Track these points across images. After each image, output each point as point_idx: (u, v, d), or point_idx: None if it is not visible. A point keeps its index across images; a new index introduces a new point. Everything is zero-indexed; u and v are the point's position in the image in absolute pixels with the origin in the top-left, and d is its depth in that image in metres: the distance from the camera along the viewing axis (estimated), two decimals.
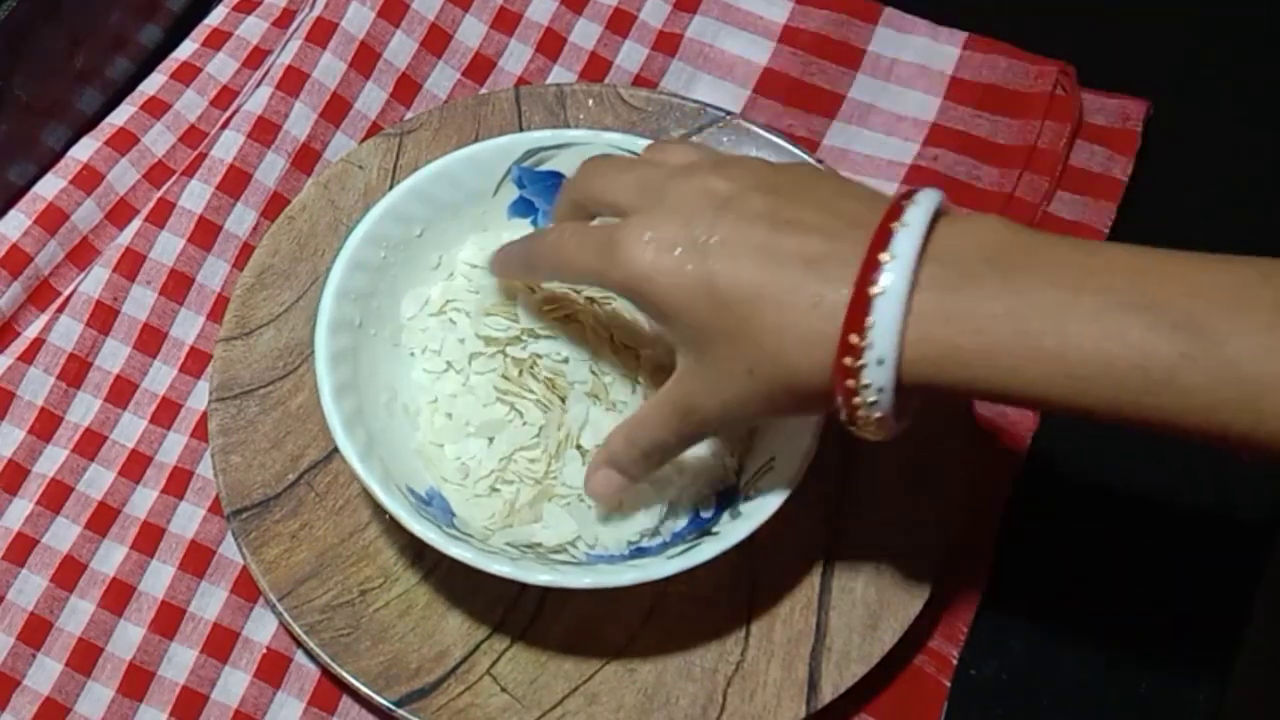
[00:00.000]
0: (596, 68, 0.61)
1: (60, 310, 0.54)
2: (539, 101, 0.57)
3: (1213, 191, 0.59)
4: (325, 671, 0.50)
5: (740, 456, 0.50)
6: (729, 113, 0.57)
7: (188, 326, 0.55)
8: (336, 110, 0.58)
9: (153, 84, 0.59)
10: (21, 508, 0.51)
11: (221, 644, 0.50)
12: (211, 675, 0.50)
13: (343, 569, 0.50)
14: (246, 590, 0.51)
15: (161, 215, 0.55)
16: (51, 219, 0.55)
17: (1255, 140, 0.60)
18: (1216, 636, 0.52)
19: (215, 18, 0.61)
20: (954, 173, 0.58)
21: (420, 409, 0.50)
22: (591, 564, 0.47)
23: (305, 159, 0.57)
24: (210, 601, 0.51)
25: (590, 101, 0.58)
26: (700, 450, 0.49)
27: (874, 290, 0.37)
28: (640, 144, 0.52)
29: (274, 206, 0.56)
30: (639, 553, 0.48)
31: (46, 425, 0.52)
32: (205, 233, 0.55)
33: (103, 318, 0.54)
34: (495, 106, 0.57)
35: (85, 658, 0.49)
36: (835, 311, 0.37)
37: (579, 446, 0.48)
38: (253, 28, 0.61)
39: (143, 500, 0.52)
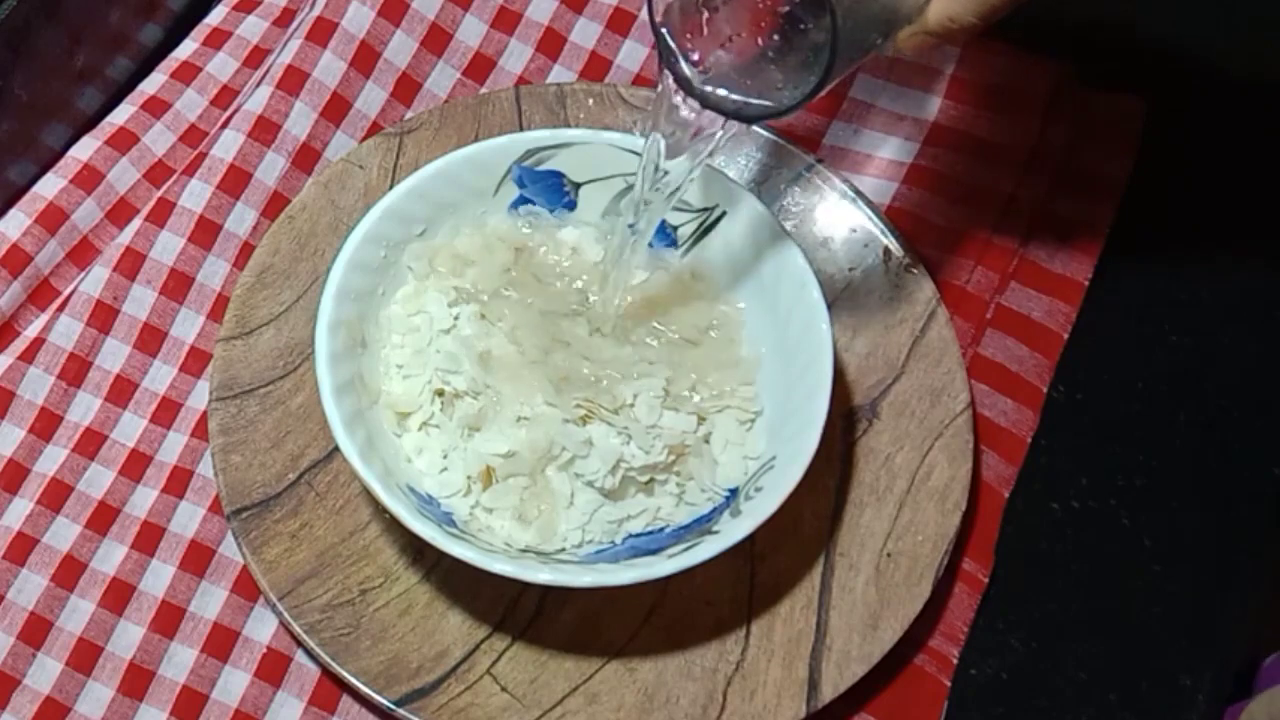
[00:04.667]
0: (597, 67, 0.61)
1: (60, 310, 0.54)
2: (539, 101, 0.57)
3: (1213, 191, 0.59)
4: (325, 671, 0.50)
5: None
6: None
7: (188, 326, 0.55)
8: (336, 110, 0.58)
9: (153, 83, 0.59)
10: (21, 507, 0.51)
11: (222, 643, 0.50)
12: (212, 675, 0.50)
13: (343, 568, 0.50)
14: (247, 590, 0.51)
15: (162, 215, 0.55)
16: (51, 218, 0.55)
17: (1255, 140, 0.60)
18: (1216, 635, 0.52)
19: (215, 17, 0.61)
20: (954, 172, 0.58)
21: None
22: (591, 563, 0.47)
23: (305, 158, 0.57)
24: (210, 601, 0.51)
25: (590, 101, 0.58)
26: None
27: None
28: (641, 144, 0.52)
29: (274, 206, 0.56)
30: (639, 551, 0.48)
31: (46, 425, 0.52)
32: (205, 232, 0.55)
33: (103, 317, 0.54)
34: (495, 106, 0.57)
35: (85, 657, 0.49)
36: None
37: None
38: (253, 27, 0.61)
39: (143, 500, 0.52)
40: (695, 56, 0.43)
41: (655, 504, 0.49)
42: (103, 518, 0.51)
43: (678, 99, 0.43)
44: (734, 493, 0.49)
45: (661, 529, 0.49)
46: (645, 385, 0.49)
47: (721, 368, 0.51)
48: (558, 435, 0.48)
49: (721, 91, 0.43)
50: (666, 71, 0.43)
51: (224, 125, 0.57)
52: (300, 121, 0.57)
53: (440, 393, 0.50)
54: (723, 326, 0.52)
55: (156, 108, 0.58)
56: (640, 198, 0.47)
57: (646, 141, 0.45)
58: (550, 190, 0.53)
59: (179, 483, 0.52)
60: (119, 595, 0.50)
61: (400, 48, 0.59)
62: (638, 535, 0.48)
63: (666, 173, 0.46)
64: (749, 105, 0.42)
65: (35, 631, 0.49)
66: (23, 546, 0.50)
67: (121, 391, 0.53)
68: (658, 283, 0.53)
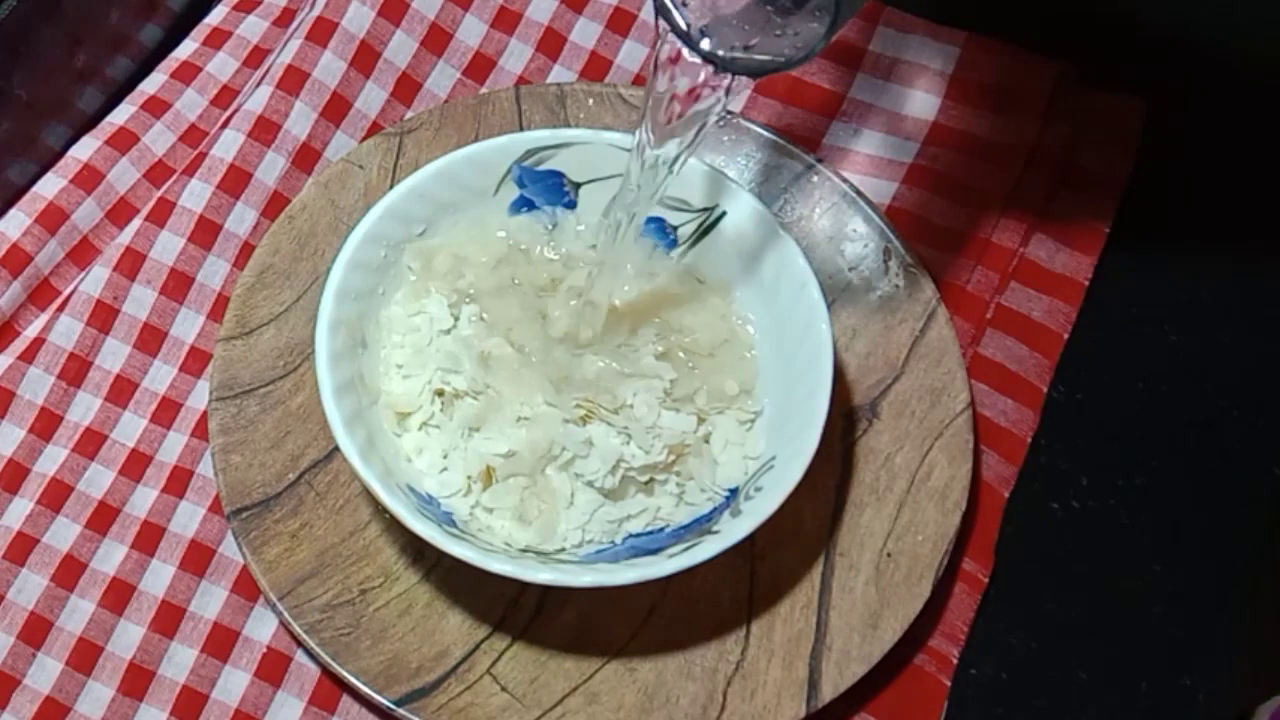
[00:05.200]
0: (597, 67, 0.61)
1: (60, 310, 0.54)
2: (539, 101, 0.58)
3: (1213, 191, 0.59)
4: (325, 671, 0.50)
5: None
6: (729, 112, 0.57)
7: (188, 326, 0.55)
8: (337, 109, 0.58)
9: (153, 83, 0.59)
10: (21, 507, 0.51)
11: (222, 643, 0.50)
12: (212, 674, 0.50)
13: (343, 568, 0.50)
14: (247, 590, 0.51)
15: (162, 214, 0.55)
16: (51, 218, 0.55)
17: (1256, 140, 0.60)
18: (1217, 635, 0.52)
19: (215, 17, 0.61)
20: (954, 173, 0.58)
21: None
22: (591, 563, 0.47)
23: (305, 158, 0.57)
24: (210, 601, 0.51)
25: (590, 101, 0.58)
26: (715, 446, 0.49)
27: None
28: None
29: (274, 206, 0.56)
30: (639, 551, 0.48)
31: (46, 424, 0.52)
32: (205, 232, 0.55)
33: (103, 317, 0.54)
34: (495, 106, 0.57)
35: (85, 657, 0.49)
36: None
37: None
38: (253, 27, 0.61)
39: (143, 499, 0.52)
40: (690, 2, 0.41)
41: (655, 504, 0.49)
42: (103, 518, 0.51)
43: (671, 43, 0.41)
44: (734, 493, 0.49)
45: (661, 529, 0.49)
46: (645, 385, 0.49)
47: (723, 372, 0.51)
48: (558, 435, 0.48)
49: (719, 45, 0.41)
50: (664, 27, 0.41)
51: (224, 125, 0.57)
52: (300, 121, 0.57)
53: (440, 393, 0.50)
54: (733, 343, 0.52)
55: (156, 108, 0.58)
56: (634, 183, 0.46)
57: (639, 129, 0.45)
58: (550, 190, 0.53)
59: (179, 483, 0.52)
60: (119, 595, 0.50)
61: (400, 48, 0.59)
62: (638, 535, 0.48)
63: (658, 157, 0.45)
64: (739, 60, 0.41)
65: (35, 631, 0.49)
66: (23, 546, 0.50)
67: (121, 391, 0.53)
68: (661, 287, 0.53)
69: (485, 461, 0.48)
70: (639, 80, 0.61)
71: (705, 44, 0.41)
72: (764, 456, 0.49)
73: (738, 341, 0.52)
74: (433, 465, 0.49)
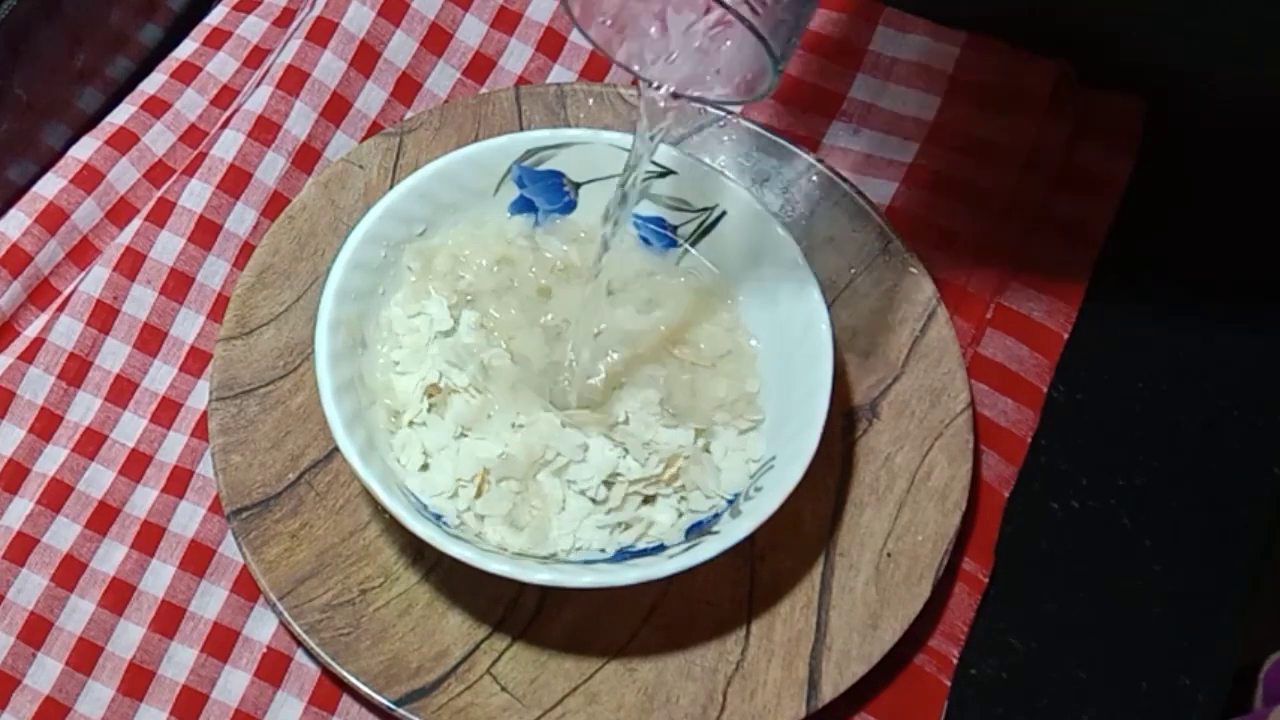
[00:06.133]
0: (596, 67, 0.61)
1: (60, 310, 0.54)
2: (539, 101, 0.58)
3: (1213, 191, 0.59)
4: (325, 671, 0.50)
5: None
6: (729, 112, 0.57)
7: (188, 326, 0.55)
8: (337, 109, 0.58)
9: (153, 83, 0.59)
10: (21, 507, 0.51)
11: (222, 643, 0.50)
12: (212, 674, 0.50)
13: (343, 568, 0.50)
14: (247, 590, 0.51)
15: (162, 214, 0.55)
16: (52, 218, 0.55)
17: (1255, 140, 0.60)
18: (1217, 635, 0.52)
19: (215, 17, 0.61)
20: (954, 173, 0.58)
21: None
22: (591, 563, 0.47)
23: (305, 158, 0.57)
24: (210, 601, 0.51)
25: (590, 101, 0.58)
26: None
27: None
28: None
29: (274, 206, 0.56)
30: (638, 552, 0.48)
31: (47, 424, 0.52)
32: (205, 232, 0.55)
33: (103, 317, 0.54)
34: (495, 106, 0.57)
35: (85, 657, 0.49)
36: None
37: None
38: (253, 27, 0.61)
39: (143, 499, 0.52)
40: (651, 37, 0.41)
41: (651, 516, 0.48)
42: (103, 518, 0.51)
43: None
44: (735, 495, 0.49)
45: (659, 546, 0.48)
46: (643, 399, 0.49)
47: (724, 384, 0.51)
48: (552, 439, 0.48)
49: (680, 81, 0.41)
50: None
51: (224, 125, 0.57)
52: (300, 121, 0.57)
53: (431, 392, 0.49)
54: (736, 354, 0.52)
55: (156, 108, 0.58)
56: (631, 173, 0.46)
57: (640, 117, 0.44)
58: (550, 190, 0.53)
59: (179, 483, 0.52)
60: (119, 595, 0.50)
61: (400, 48, 0.59)
62: (633, 551, 0.48)
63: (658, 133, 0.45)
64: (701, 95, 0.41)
65: (35, 631, 0.49)
66: (23, 546, 0.50)
67: (121, 391, 0.53)
68: (666, 309, 0.52)
69: (479, 463, 0.48)
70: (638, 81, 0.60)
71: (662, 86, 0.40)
72: (764, 457, 0.49)
73: (741, 353, 0.52)
74: (418, 465, 0.49)
